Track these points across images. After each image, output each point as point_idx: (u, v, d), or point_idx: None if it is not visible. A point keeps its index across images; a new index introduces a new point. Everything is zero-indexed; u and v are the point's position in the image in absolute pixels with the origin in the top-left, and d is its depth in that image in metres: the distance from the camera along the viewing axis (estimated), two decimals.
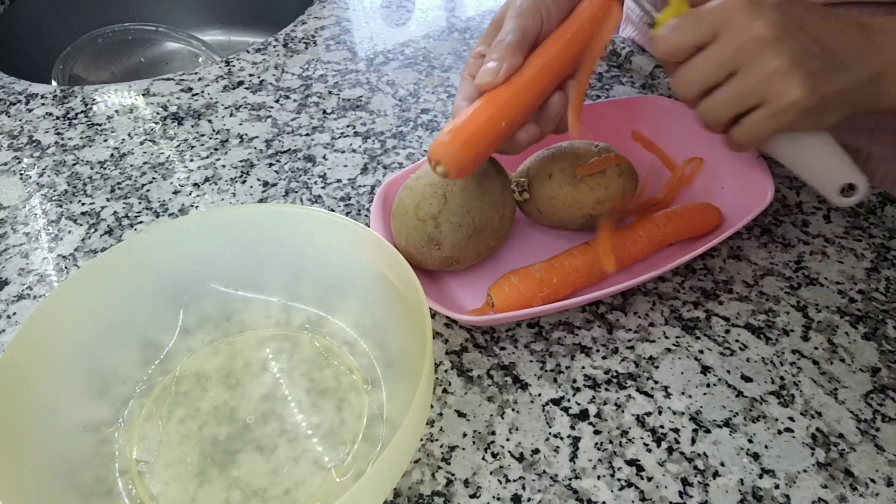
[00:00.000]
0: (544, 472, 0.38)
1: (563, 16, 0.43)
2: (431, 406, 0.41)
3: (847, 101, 0.40)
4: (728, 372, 0.43)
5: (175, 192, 0.57)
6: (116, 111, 0.66)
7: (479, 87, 0.41)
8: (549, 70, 0.42)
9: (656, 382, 0.42)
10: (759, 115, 0.39)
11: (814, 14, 0.39)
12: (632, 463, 0.38)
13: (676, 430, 0.40)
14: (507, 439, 0.39)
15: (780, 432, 0.39)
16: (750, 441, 0.39)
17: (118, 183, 0.58)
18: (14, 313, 0.47)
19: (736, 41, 0.38)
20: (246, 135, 0.62)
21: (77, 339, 0.40)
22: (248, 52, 0.74)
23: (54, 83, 0.86)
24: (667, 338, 0.45)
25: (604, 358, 0.44)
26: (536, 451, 0.39)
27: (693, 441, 0.39)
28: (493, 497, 0.37)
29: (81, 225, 0.54)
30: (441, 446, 0.39)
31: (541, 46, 0.42)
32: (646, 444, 0.39)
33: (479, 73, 0.41)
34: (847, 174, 0.43)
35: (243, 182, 0.57)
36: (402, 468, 0.36)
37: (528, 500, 0.37)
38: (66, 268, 0.51)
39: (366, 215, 0.54)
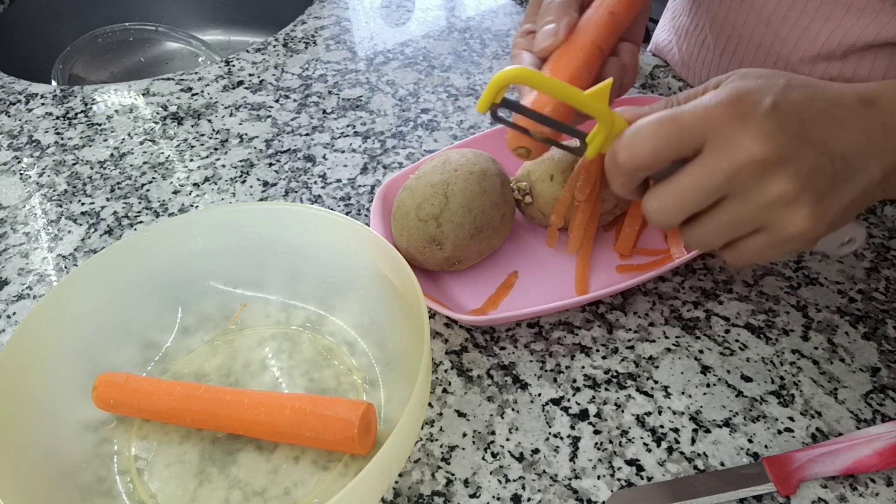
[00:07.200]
0: (544, 471, 0.38)
1: None
2: (431, 405, 0.41)
3: (856, 208, 0.33)
4: (728, 372, 0.42)
5: (175, 192, 0.57)
6: (116, 111, 0.66)
7: (539, 52, 0.39)
8: (603, 32, 0.39)
9: (656, 382, 0.42)
10: (757, 243, 0.33)
11: (814, 107, 0.32)
12: (632, 463, 0.38)
13: (676, 430, 0.40)
14: (507, 439, 0.39)
15: (780, 432, 0.39)
16: (750, 441, 0.39)
17: (118, 183, 0.58)
18: (14, 313, 0.47)
19: (728, 161, 0.30)
20: (246, 135, 0.62)
21: (76, 338, 0.39)
22: (248, 51, 0.74)
23: (54, 83, 0.86)
24: (667, 338, 0.45)
25: (604, 358, 0.44)
26: (536, 451, 0.39)
27: (693, 441, 0.39)
28: (493, 497, 0.37)
29: (81, 225, 0.54)
30: (441, 446, 0.39)
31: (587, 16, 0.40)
32: (646, 444, 0.39)
33: (537, 38, 0.39)
34: (848, 230, 0.39)
35: (243, 182, 0.57)
36: (398, 466, 0.36)
37: (528, 499, 0.37)
38: (65, 268, 0.51)
39: (366, 215, 0.54)
